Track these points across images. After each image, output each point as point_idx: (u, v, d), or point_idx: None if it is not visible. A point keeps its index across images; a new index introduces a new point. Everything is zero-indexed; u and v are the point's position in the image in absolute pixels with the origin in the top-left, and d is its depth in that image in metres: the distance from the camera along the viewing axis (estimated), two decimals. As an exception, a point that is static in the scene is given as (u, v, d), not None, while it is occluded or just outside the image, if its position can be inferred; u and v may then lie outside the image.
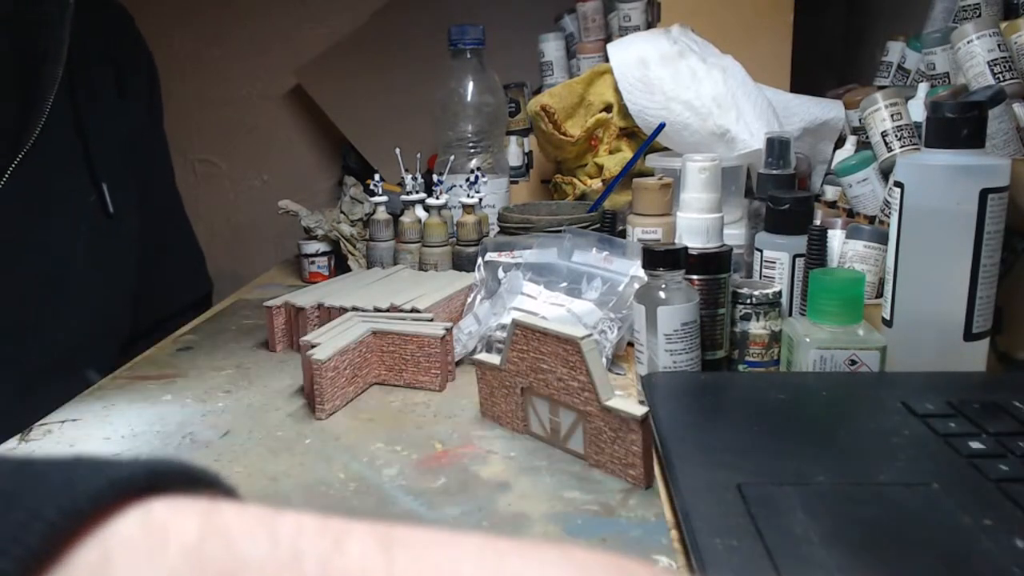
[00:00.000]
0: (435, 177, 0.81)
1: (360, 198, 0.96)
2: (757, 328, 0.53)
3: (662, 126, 0.82)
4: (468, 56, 0.90)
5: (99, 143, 0.75)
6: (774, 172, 0.69)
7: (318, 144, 1.63)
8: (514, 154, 1.05)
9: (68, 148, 0.73)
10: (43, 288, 0.69)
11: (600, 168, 0.92)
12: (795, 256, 0.57)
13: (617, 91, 0.88)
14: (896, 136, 0.67)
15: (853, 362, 0.47)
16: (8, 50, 0.67)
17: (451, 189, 0.82)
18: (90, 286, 0.74)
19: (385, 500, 0.42)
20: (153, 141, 0.91)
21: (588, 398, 0.44)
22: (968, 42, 0.66)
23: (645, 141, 0.83)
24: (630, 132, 0.92)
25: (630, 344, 0.58)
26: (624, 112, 0.89)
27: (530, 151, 1.07)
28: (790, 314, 0.57)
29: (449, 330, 0.58)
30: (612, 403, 0.43)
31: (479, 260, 0.72)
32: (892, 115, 0.67)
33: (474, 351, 0.61)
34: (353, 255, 0.92)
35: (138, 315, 0.83)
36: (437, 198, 0.79)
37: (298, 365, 0.60)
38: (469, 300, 0.70)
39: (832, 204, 0.79)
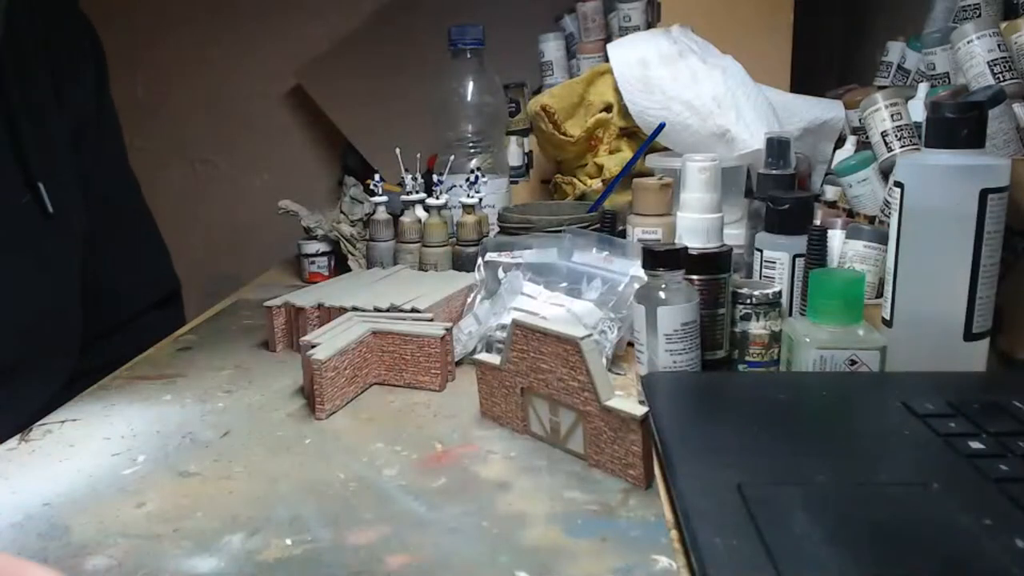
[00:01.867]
0: (435, 177, 0.81)
1: (360, 198, 0.96)
2: (757, 328, 0.53)
3: (662, 126, 0.82)
4: (468, 56, 0.90)
5: (34, 139, 0.71)
6: (774, 172, 0.69)
7: (318, 144, 1.63)
8: (514, 154, 1.05)
9: None
10: None
11: (600, 168, 0.92)
12: (795, 256, 0.57)
13: (617, 91, 0.88)
14: (896, 136, 0.67)
15: (853, 362, 0.47)
16: None
17: (451, 189, 0.82)
18: (33, 289, 0.70)
19: (385, 500, 0.42)
20: (100, 129, 0.86)
21: (588, 398, 0.44)
22: (968, 42, 0.66)
23: (645, 141, 0.83)
24: (630, 132, 0.92)
25: (630, 344, 0.58)
26: (624, 112, 0.89)
27: (530, 151, 1.07)
28: (790, 314, 0.57)
29: (449, 330, 0.58)
30: (612, 403, 0.43)
31: (479, 260, 0.72)
32: (892, 115, 0.67)
33: (474, 351, 0.61)
34: (353, 255, 0.92)
35: (94, 315, 0.80)
36: (437, 198, 0.79)
37: (298, 365, 0.60)
38: (469, 300, 0.70)
39: (832, 204, 0.79)
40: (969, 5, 0.77)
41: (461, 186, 0.80)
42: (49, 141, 0.74)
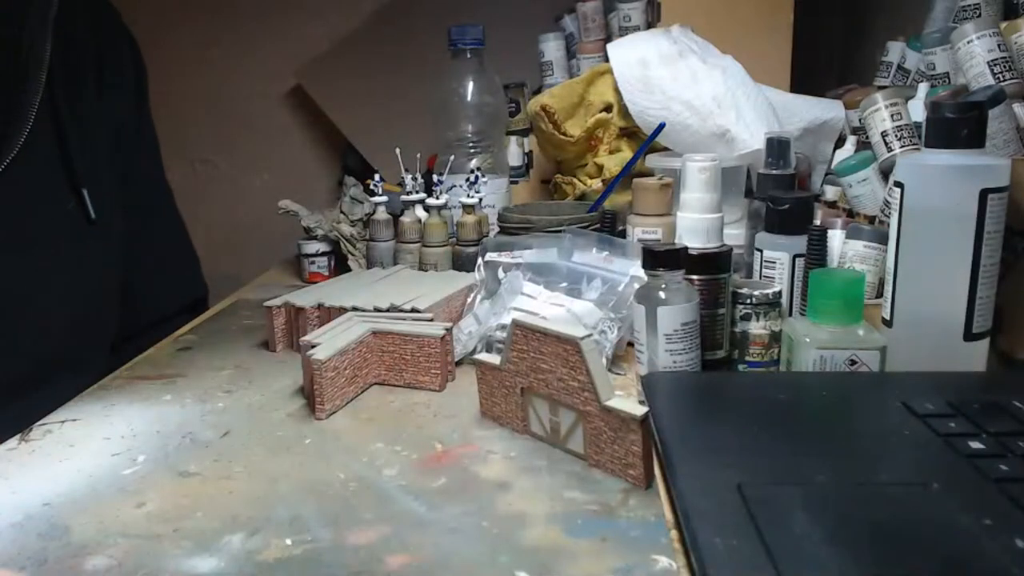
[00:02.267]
0: (435, 177, 0.81)
1: (360, 198, 0.96)
2: (757, 328, 0.53)
3: (662, 126, 0.82)
4: (468, 56, 0.90)
5: (80, 146, 0.73)
6: (774, 172, 0.69)
7: (318, 144, 1.63)
8: (514, 154, 1.05)
9: (47, 155, 0.71)
10: (20, 301, 0.68)
11: (600, 168, 0.92)
12: (795, 256, 0.57)
13: (617, 91, 0.88)
14: (896, 136, 0.67)
15: (853, 362, 0.47)
16: None
17: (451, 189, 0.82)
18: (73, 293, 0.73)
19: (385, 500, 0.42)
20: (139, 138, 0.89)
21: (588, 398, 0.44)
22: (968, 42, 0.66)
23: (645, 141, 0.83)
24: (630, 132, 0.92)
25: (630, 344, 0.58)
26: (624, 112, 0.89)
27: (530, 151, 1.07)
28: (790, 314, 0.57)
29: (449, 330, 0.58)
30: (612, 403, 0.43)
31: (479, 260, 0.72)
32: (892, 115, 0.67)
33: (474, 351, 0.61)
34: (353, 255, 0.92)
35: (126, 316, 0.82)
36: (437, 198, 0.79)
37: (298, 365, 0.60)
38: (469, 300, 0.70)
39: (832, 204, 0.79)
40: (969, 5, 0.77)
41: (461, 186, 0.80)
42: (94, 148, 0.76)
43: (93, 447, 0.49)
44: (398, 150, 0.83)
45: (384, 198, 0.82)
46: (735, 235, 0.70)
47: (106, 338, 0.79)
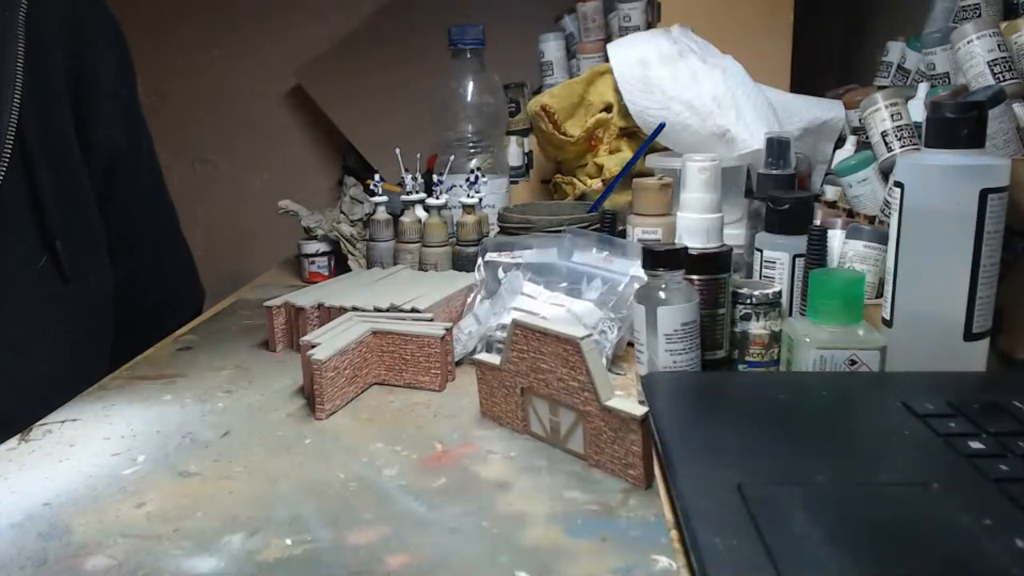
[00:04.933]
0: (435, 177, 0.81)
1: (360, 198, 0.96)
2: (757, 328, 0.53)
3: (662, 126, 0.82)
4: (468, 56, 0.90)
5: (53, 189, 0.62)
6: (774, 172, 0.69)
7: (318, 144, 1.63)
8: (514, 154, 1.05)
9: (16, 206, 0.60)
10: None
11: (600, 168, 0.92)
12: (795, 256, 0.57)
13: (617, 91, 0.88)
14: (896, 136, 0.67)
15: (853, 362, 0.47)
16: None
17: (451, 189, 0.82)
18: (47, 357, 0.64)
19: (385, 500, 0.42)
20: (136, 157, 0.78)
21: (588, 398, 0.44)
22: (968, 42, 0.66)
23: (645, 141, 0.83)
24: (630, 132, 0.92)
25: (630, 344, 0.58)
26: (624, 112, 0.89)
27: (530, 151, 1.07)
28: (790, 314, 0.57)
29: (449, 330, 0.58)
30: (612, 403, 0.43)
31: (479, 260, 0.72)
32: (892, 115, 0.67)
33: (474, 351, 0.61)
34: (353, 255, 0.92)
35: (129, 337, 0.75)
36: (437, 198, 0.79)
37: (298, 365, 0.60)
38: (469, 300, 0.70)
39: (832, 204, 0.79)
40: (969, 5, 0.77)
41: (461, 186, 0.80)
42: (72, 189, 0.67)
43: (93, 447, 0.49)
44: (398, 150, 0.83)
45: (384, 198, 0.82)
46: (735, 235, 0.70)
47: (92, 380, 0.73)
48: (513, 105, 1.10)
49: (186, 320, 0.80)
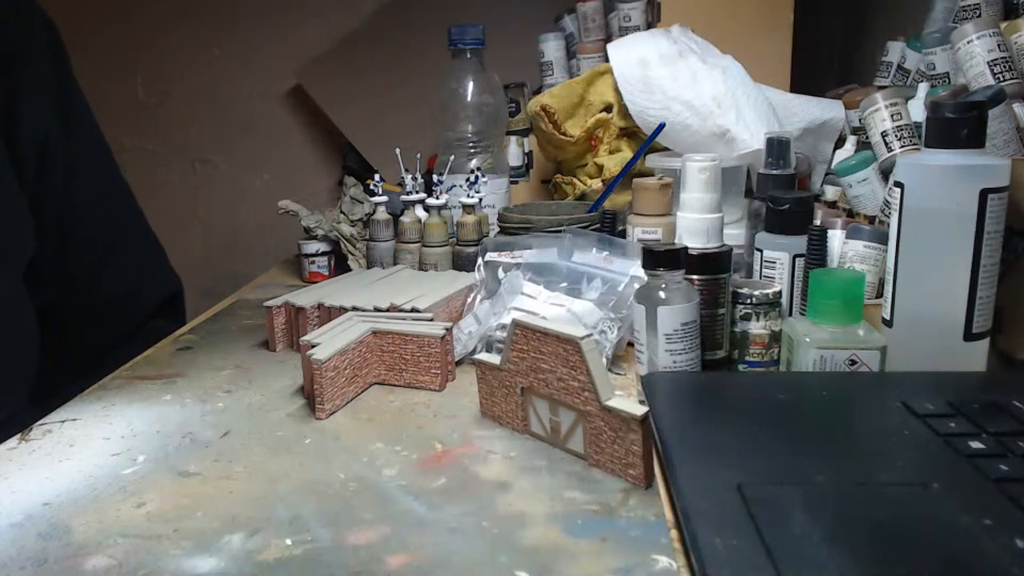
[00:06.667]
0: (435, 177, 0.81)
1: (360, 198, 0.96)
2: (757, 328, 0.53)
3: (662, 126, 0.82)
4: (468, 56, 0.90)
5: None
6: (774, 172, 0.69)
7: (318, 144, 1.63)
8: (514, 154, 1.05)
9: None
10: None
11: (600, 168, 0.92)
12: (795, 256, 0.57)
13: (617, 91, 0.88)
14: (896, 136, 0.67)
15: (853, 362, 0.47)
16: None
17: (451, 189, 0.82)
18: None
19: (385, 500, 0.42)
20: (69, 139, 0.75)
21: (588, 398, 0.44)
22: (968, 42, 0.66)
23: (645, 141, 0.83)
24: (630, 132, 0.92)
25: (630, 344, 0.58)
26: (624, 112, 0.89)
27: (530, 151, 1.07)
28: (790, 314, 0.57)
29: (449, 330, 0.58)
30: (612, 403, 0.43)
31: (479, 260, 0.72)
32: (892, 115, 0.68)
33: (474, 351, 0.61)
34: (353, 255, 0.92)
35: (102, 326, 0.76)
36: (437, 198, 0.79)
37: (298, 365, 0.60)
38: (469, 300, 0.70)
39: (832, 204, 0.79)
40: (969, 5, 0.77)
41: (461, 186, 0.80)
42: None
43: (93, 447, 0.49)
44: (398, 150, 0.83)
45: (384, 198, 0.82)
46: (735, 235, 0.70)
47: (22, 379, 0.69)
48: (513, 105, 1.10)
49: (155, 307, 0.77)
